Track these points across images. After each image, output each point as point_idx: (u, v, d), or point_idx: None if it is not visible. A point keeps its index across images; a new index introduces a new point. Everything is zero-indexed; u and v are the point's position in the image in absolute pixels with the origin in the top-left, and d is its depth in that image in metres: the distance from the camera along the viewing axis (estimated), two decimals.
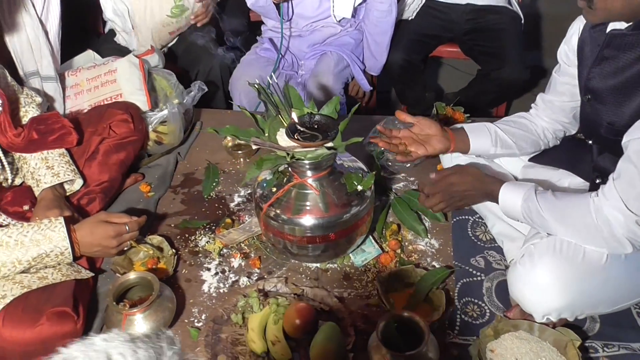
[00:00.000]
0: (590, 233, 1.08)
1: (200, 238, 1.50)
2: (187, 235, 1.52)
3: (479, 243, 1.47)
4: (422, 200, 1.36)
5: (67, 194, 1.44)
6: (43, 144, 1.39)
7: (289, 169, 1.33)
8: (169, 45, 2.21)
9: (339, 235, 1.33)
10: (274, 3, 2.02)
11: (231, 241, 1.47)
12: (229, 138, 1.82)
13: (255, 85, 1.34)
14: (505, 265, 1.40)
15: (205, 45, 2.11)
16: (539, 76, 2.76)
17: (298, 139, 1.24)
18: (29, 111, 1.45)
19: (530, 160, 1.48)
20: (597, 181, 1.31)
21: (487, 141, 1.40)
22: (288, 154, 1.21)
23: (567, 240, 1.11)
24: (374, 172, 1.37)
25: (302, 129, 1.27)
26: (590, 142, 1.29)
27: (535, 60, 2.93)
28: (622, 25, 1.12)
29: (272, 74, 1.33)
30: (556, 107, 1.41)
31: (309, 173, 1.30)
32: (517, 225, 1.38)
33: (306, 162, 1.25)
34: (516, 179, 1.48)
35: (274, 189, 1.33)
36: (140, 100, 1.67)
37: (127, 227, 1.27)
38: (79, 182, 1.45)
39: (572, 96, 1.36)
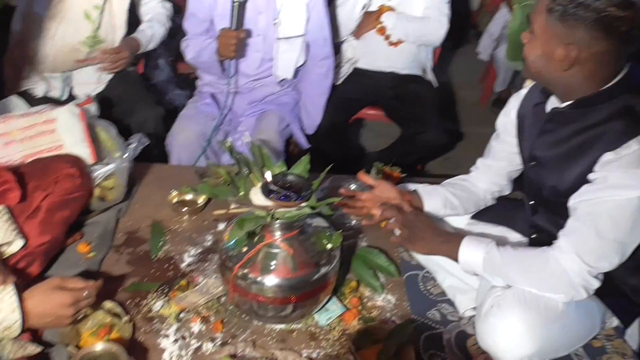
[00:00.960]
0: (550, 282, 1.20)
1: (153, 302, 1.41)
2: (138, 300, 1.41)
3: (431, 297, 1.55)
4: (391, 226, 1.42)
5: (4, 256, 1.28)
6: None
7: (260, 228, 1.32)
8: (97, 92, 2.11)
9: (308, 295, 1.33)
10: (218, 60, 2.04)
11: (190, 304, 1.39)
12: (174, 193, 1.76)
13: (227, 145, 1.33)
14: (459, 317, 1.49)
15: (139, 95, 2.06)
16: (457, 139, 3.08)
17: (273, 199, 1.25)
18: None
19: (472, 218, 1.62)
20: (534, 236, 1.47)
21: (438, 204, 1.53)
22: (268, 214, 1.21)
23: (528, 291, 1.23)
24: (340, 230, 1.40)
25: (275, 189, 1.28)
26: (531, 202, 1.45)
27: (452, 125, 3.25)
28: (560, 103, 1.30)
29: (247, 134, 1.33)
30: (495, 171, 1.58)
31: (280, 233, 1.30)
32: (467, 279, 1.49)
33: (282, 221, 1.26)
34: None
35: (245, 249, 1.31)
36: (84, 152, 1.57)
37: (85, 293, 1.16)
38: (18, 244, 1.30)
39: (510, 162, 1.54)
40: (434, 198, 1.53)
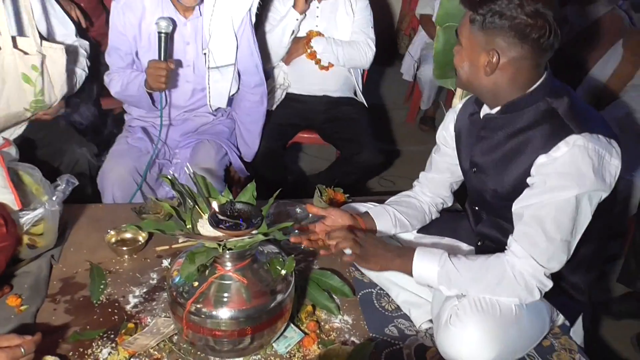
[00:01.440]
0: (507, 287, 1.24)
1: (99, 350, 1.31)
2: (82, 350, 1.30)
3: (386, 313, 1.56)
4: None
5: None
6: None
7: (210, 261, 1.27)
8: (15, 135, 1.97)
9: (266, 324, 1.29)
10: (147, 92, 1.98)
11: (141, 348, 1.31)
12: (112, 233, 1.66)
13: (169, 177, 1.28)
14: (415, 330, 1.50)
15: (67, 135, 1.95)
16: (393, 157, 3.16)
17: (223, 229, 1.21)
18: None
19: (418, 232, 1.66)
20: (479, 244, 1.53)
21: (389, 223, 1.56)
22: (219, 245, 1.17)
23: (484, 298, 1.26)
24: (293, 255, 1.38)
25: (224, 218, 1.24)
26: (476, 208, 1.51)
27: (385, 144, 3.34)
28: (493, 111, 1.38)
29: (188, 165, 1.29)
30: (438, 183, 1.64)
31: (232, 263, 1.26)
32: (420, 292, 1.52)
33: (233, 252, 1.22)
34: None
35: (196, 284, 1.25)
36: (7, 199, 1.44)
37: (22, 350, 1.06)
38: None
39: (452, 173, 1.61)
40: (385, 218, 1.56)
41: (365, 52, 2.56)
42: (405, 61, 3.97)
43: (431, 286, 1.35)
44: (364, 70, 2.76)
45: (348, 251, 1.41)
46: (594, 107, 1.43)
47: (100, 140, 2.31)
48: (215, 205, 1.26)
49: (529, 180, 1.27)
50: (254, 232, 1.23)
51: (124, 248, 1.64)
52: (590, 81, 2.77)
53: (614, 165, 1.23)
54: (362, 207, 1.66)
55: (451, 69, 1.95)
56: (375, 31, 2.63)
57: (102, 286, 1.51)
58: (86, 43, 2.16)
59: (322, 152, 3.18)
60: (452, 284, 1.29)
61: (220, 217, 1.24)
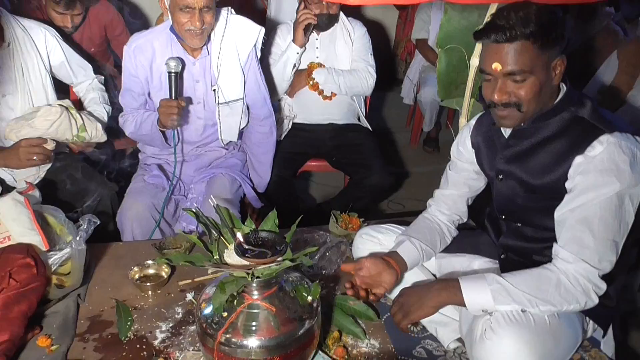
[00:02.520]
0: (566, 295, 1.25)
1: None
2: None
3: (413, 335, 1.56)
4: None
5: None
6: None
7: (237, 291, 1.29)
8: (38, 180, 2.01)
9: (296, 352, 1.30)
10: (160, 130, 2.02)
11: None
12: (135, 269, 1.69)
13: (193, 210, 1.31)
14: (444, 350, 1.50)
15: (88, 176, 2.00)
16: (401, 179, 3.20)
17: (249, 257, 1.23)
18: None
19: (440, 251, 1.67)
20: (502, 256, 1.54)
21: (417, 258, 1.58)
22: (248, 274, 1.19)
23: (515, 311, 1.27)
24: (317, 281, 1.40)
25: (249, 247, 1.27)
26: (503, 217, 1.53)
27: (393, 167, 3.38)
28: None
29: (212, 197, 1.32)
30: (456, 199, 1.66)
31: (259, 292, 1.28)
32: (446, 311, 1.51)
33: (261, 280, 1.24)
34: (433, 273, 1.67)
35: (225, 314, 1.27)
36: (35, 240, 1.48)
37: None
38: None
39: (469, 187, 1.65)
40: (413, 254, 1.57)
41: (366, 79, 2.61)
42: (404, 85, 4.04)
43: (486, 310, 1.32)
44: (367, 96, 2.82)
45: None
46: None
47: (118, 180, 2.36)
48: (239, 235, 1.28)
49: (567, 184, 1.30)
50: (280, 259, 1.25)
51: (148, 284, 1.66)
52: (589, 94, 2.82)
53: None
54: (381, 234, 1.69)
55: (455, 88, 2.02)
56: (374, 58, 2.70)
57: (129, 323, 1.52)
58: (102, 78, 2.32)
59: (330, 180, 3.21)
60: (511, 301, 1.27)
61: (246, 246, 1.27)
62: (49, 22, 2.29)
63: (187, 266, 1.31)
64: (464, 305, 1.33)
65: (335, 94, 2.64)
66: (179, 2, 1.83)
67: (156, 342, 1.47)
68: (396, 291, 1.51)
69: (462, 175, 1.64)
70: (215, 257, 1.26)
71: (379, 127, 4.14)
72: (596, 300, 1.27)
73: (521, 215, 1.47)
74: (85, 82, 2.25)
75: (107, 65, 2.62)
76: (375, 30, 4.66)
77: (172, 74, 1.92)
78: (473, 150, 1.58)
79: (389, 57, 4.84)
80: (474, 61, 1.85)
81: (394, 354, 1.48)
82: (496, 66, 1.30)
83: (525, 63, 1.27)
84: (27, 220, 1.51)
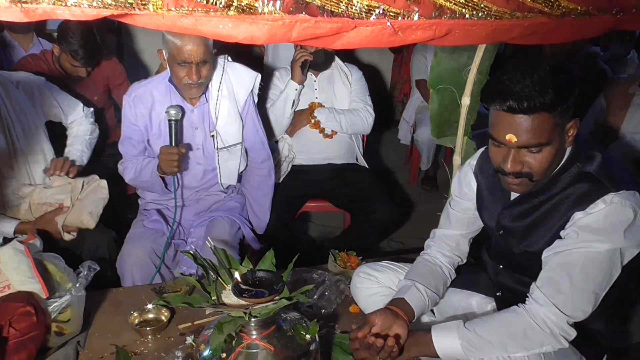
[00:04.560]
0: (532, 338, 1.24)
1: None
2: None
3: None
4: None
5: None
6: None
7: (236, 330, 1.29)
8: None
9: None
10: (159, 176, 2.06)
11: None
12: (135, 314, 1.69)
13: (191, 253, 1.33)
14: None
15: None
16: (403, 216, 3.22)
17: (246, 297, 1.24)
18: None
19: None
20: (498, 294, 1.54)
21: (423, 305, 1.52)
22: (245, 313, 1.20)
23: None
24: (315, 320, 1.40)
25: (246, 287, 1.28)
26: (500, 266, 1.51)
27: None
28: None
29: (209, 239, 1.35)
30: (459, 239, 1.62)
31: (257, 331, 1.28)
32: None
33: (257, 319, 1.25)
34: (432, 311, 1.66)
35: (224, 355, 1.27)
36: (35, 288, 1.50)
37: None
38: None
39: (471, 228, 1.61)
40: (420, 302, 1.51)
41: (365, 117, 2.69)
42: (401, 126, 4.12)
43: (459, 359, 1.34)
44: (363, 136, 2.88)
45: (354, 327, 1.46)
46: None
47: (116, 226, 2.38)
48: (237, 275, 1.30)
49: (562, 233, 1.27)
50: (277, 297, 1.26)
51: (148, 329, 1.66)
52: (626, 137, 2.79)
53: None
54: (379, 272, 1.69)
55: (448, 127, 2.07)
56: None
57: None
58: (91, 110, 2.40)
59: (329, 220, 3.23)
60: (479, 351, 1.29)
61: (243, 286, 1.28)
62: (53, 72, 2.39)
63: (186, 309, 1.32)
64: (437, 357, 1.33)
65: (336, 133, 2.70)
66: (177, 57, 1.90)
67: None
68: None
69: (466, 215, 1.58)
70: (213, 298, 1.27)
71: (378, 167, 4.20)
72: (566, 345, 1.25)
73: (518, 266, 1.45)
74: (77, 119, 2.33)
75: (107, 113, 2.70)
76: (372, 74, 4.81)
77: (172, 122, 1.97)
78: (475, 193, 1.53)
79: (385, 98, 4.95)
80: (465, 100, 1.91)
81: None
82: (510, 137, 1.21)
83: (544, 135, 1.19)
84: (27, 268, 1.53)
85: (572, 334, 1.25)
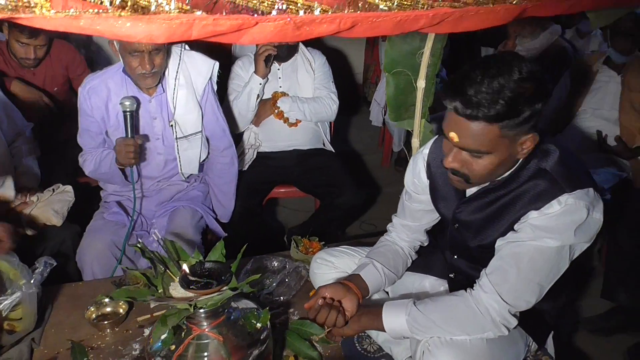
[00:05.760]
0: (474, 323, 1.27)
1: None
2: None
3: (369, 355, 1.57)
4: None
5: None
6: None
7: (185, 322, 1.30)
8: None
9: None
10: (118, 168, 2.04)
11: None
12: (92, 309, 1.68)
13: (138, 246, 1.32)
14: None
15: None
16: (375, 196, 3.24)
17: (194, 289, 1.25)
18: None
19: None
20: (451, 275, 1.56)
21: (380, 282, 1.54)
22: (190, 305, 1.20)
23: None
24: (267, 308, 1.41)
25: (194, 279, 1.28)
26: (455, 256, 1.52)
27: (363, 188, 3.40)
28: None
29: (155, 231, 1.34)
30: (414, 229, 1.62)
31: (207, 322, 1.29)
32: None
33: (206, 310, 1.25)
34: (386, 291, 1.68)
35: (173, 347, 1.27)
36: None
37: None
38: None
39: (427, 220, 1.60)
40: (376, 279, 1.53)
41: (329, 105, 2.68)
42: (372, 108, 4.11)
43: (407, 337, 1.37)
44: (331, 122, 2.87)
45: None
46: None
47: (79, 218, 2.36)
48: (185, 267, 1.30)
49: (516, 226, 1.27)
50: (224, 288, 1.26)
51: (105, 322, 1.65)
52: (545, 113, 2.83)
53: (598, 220, 1.23)
54: (335, 257, 1.70)
55: (406, 110, 2.06)
56: (338, 84, 2.76)
57: None
58: (30, 124, 2.33)
59: (301, 205, 3.24)
60: (423, 330, 1.31)
61: (191, 278, 1.28)
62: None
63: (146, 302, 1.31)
64: (384, 331, 1.35)
65: (300, 121, 2.69)
66: (128, 46, 1.87)
67: None
68: None
69: (418, 208, 1.57)
70: (159, 291, 1.27)
71: (350, 149, 4.20)
72: (506, 333, 1.27)
73: (472, 257, 1.46)
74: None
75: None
76: (341, 57, 4.78)
77: (127, 113, 1.95)
78: (428, 185, 1.50)
79: (353, 82, 4.95)
80: (420, 83, 1.90)
81: None
82: (453, 136, 1.19)
83: (484, 144, 1.17)
84: None
85: (513, 322, 1.27)
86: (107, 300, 1.71)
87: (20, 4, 0.54)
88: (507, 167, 1.26)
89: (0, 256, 1.64)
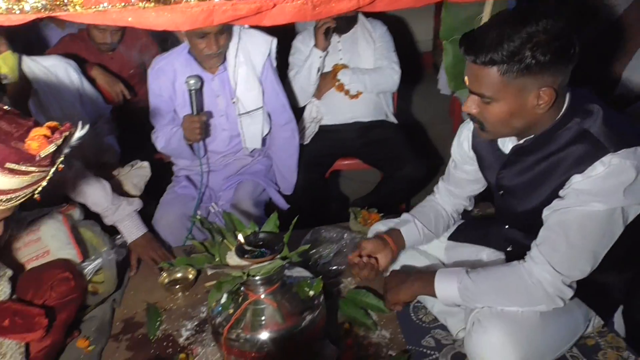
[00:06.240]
0: (527, 296, 1.24)
1: None
2: None
3: (424, 325, 1.59)
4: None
5: None
6: (6, 332, 1.33)
7: (242, 288, 1.39)
8: None
9: (301, 344, 1.37)
10: (187, 144, 2.17)
11: None
12: (164, 275, 1.83)
13: (198, 217, 1.42)
14: (452, 339, 1.52)
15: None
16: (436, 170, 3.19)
17: (248, 258, 1.33)
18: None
19: (449, 239, 1.69)
20: (509, 249, 1.53)
21: (418, 239, 1.63)
22: (244, 273, 1.28)
23: None
24: (320, 277, 1.46)
25: (249, 248, 1.36)
26: (507, 226, 1.50)
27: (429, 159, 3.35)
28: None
29: (214, 204, 1.43)
30: (458, 196, 1.66)
31: (262, 289, 1.36)
32: None
33: (259, 277, 1.33)
34: (443, 262, 1.68)
35: (231, 311, 1.37)
36: (71, 254, 1.66)
37: None
38: None
39: (471, 188, 1.62)
40: (413, 234, 1.63)
41: (390, 75, 2.65)
42: (440, 76, 3.99)
43: (458, 304, 1.38)
44: (393, 92, 2.84)
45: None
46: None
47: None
48: (240, 237, 1.38)
49: (561, 192, 1.24)
50: (276, 257, 1.33)
51: (176, 287, 1.80)
52: (627, 84, 2.60)
53: None
54: (394, 223, 1.71)
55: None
56: (401, 53, 2.72)
57: (157, 323, 1.66)
58: (109, 107, 2.52)
59: (367, 177, 3.25)
60: (475, 300, 1.31)
61: (246, 247, 1.36)
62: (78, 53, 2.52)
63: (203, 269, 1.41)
64: (436, 297, 1.35)
65: (362, 93, 2.69)
66: (195, 30, 1.95)
67: (181, 340, 1.60)
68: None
69: (462, 177, 1.60)
70: (217, 260, 1.36)
71: (416, 121, 4.12)
72: (562, 304, 1.24)
73: (522, 225, 1.43)
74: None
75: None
76: (402, 25, 4.64)
77: (192, 91, 2.05)
78: (474, 156, 1.52)
79: (417, 51, 4.83)
80: None
81: (403, 344, 1.52)
82: (466, 79, 1.24)
83: (487, 89, 1.19)
84: (64, 236, 1.68)
85: (569, 293, 1.24)
86: (178, 267, 1.85)
87: (58, 3, 0.61)
88: (526, 120, 1.23)
89: (85, 225, 1.82)
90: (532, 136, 1.29)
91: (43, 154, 0.96)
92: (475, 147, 1.51)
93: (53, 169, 1.03)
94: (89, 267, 1.66)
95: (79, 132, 0.99)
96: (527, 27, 1.11)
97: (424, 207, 1.70)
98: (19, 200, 1.05)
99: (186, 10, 0.65)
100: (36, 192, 1.06)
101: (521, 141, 1.33)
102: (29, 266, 1.62)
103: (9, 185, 1.01)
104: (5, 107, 1.01)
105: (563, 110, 1.25)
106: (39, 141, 0.94)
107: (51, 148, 0.96)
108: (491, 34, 1.14)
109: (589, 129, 1.21)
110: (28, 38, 2.75)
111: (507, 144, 1.39)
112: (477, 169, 1.55)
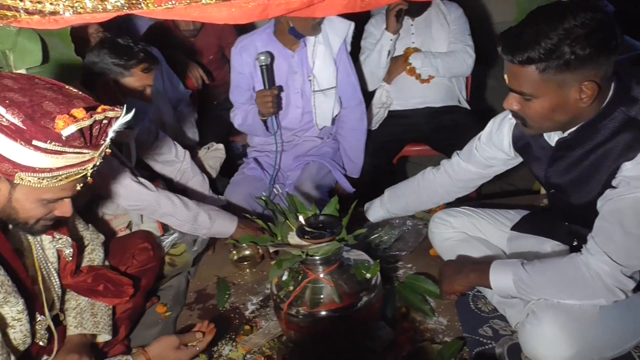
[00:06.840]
0: (585, 290, 1.21)
1: (223, 348, 1.57)
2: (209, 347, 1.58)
3: (482, 314, 1.59)
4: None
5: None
6: (99, 296, 1.45)
7: (302, 267, 1.46)
8: None
9: (357, 323, 1.43)
10: (261, 120, 2.27)
11: (254, 345, 1.54)
12: (234, 252, 1.95)
13: (263, 198, 1.50)
14: (511, 330, 1.50)
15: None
16: None
17: (308, 238, 1.39)
18: (95, 249, 1.53)
19: (512, 229, 1.66)
20: (575, 243, 1.47)
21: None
22: (303, 252, 1.35)
23: None
24: (378, 260, 1.50)
25: (309, 229, 1.42)
26: (566, 223, 1.46)
27: None
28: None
29: (278, 186, 1.50)
30: (471, 176, 1.66)
31: (321, 268, 1.43)
32: None
33: (318, 257, 1.39)
34: (504, 252, 1.66)
35: (291, 288, 1.44)
36: (152, 227, 1.81)
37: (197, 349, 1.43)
38: (106, 337, 1.46)
39: (486, 170, 1.62)
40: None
41: (464, 59, 2.58)
42: None
43: (514, 296, 1.36)
44: (467, 77, 2.77)
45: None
46: None
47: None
48: (301, 218, 1.45)
49: (613, 182, 1.20)
50: (333, 239, 1.39)
51: (245, 263, 1.91)
52: None
53: None
54: (453, 217, 1.74)
55: None
56: (478, 36, 2.64)
57: (226, 296, 1.78)
58: (189, 91, 2.67)
59: (437, 164, 3.21)
60: (529, 291, 1.29)
61: (307, 228, 1.43)
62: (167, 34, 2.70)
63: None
64: (491, 288, 1.34)
65: (433, 77, 2.65)
66: None
67: (247, 313, 1.71)
68: None
69: (487, 162, 1.59)
70: (279, 239, 1.44)
71: (491, 107, 3.97)
72: (623, 297, 1.18)
73: (581, 221, 1.37)
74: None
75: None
76: (480, 6, 4.45)
77: (264, 67, 2.14)
78: (519, 149, 1.47)
79: (493, 35, 4.59)
80: None
81: (460, 331, 1.53)
82: (506, 77, 1.23)
83: (527, 87, 1.18)
84: None
85: (630, 285, 1.18)
86: (244, 245, 1.96)
87: (134, 2, 0.69)
88: (570, 114, 1.21)
89: None
90: (576, 128, 1.26)
91: (65, 133, 0.93)
92: (518, 138, 1.46)
93: (99, 152, 1.02)
94: (167, 241, 1.81)
95: (123, 117, 0.97)
96: (564, 23, 1.08)
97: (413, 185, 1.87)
98: (63, 179, 1.03)
99: (243, 6, 0.71)
100: (87, 173, 1.05)
101: (565, 134, 1.29)
102: (120, 234, 1.80)
103: (45, 163, 0.99)
104: (69, 88, 1.01)
105: (607, 99, 1.21)
106: (64, 121, 0.93)
107: (72, 128, 0.93)
108: (527, 32, 1.12)
109: (636, 117, 1.17)
110: (120, 26, 2.96)
111: (552, 137, 1.35)
112: (504, 161, 1.56)
